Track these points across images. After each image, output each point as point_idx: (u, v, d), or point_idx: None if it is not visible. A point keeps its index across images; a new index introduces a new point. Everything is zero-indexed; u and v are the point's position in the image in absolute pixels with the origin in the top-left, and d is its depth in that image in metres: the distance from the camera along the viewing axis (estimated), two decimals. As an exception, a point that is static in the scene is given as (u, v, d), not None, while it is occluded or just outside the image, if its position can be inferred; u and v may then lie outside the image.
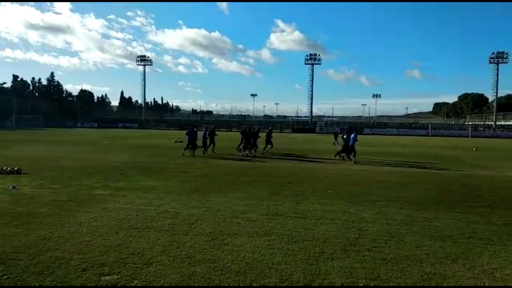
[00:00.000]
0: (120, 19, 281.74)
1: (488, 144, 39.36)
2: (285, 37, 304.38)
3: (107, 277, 4.55)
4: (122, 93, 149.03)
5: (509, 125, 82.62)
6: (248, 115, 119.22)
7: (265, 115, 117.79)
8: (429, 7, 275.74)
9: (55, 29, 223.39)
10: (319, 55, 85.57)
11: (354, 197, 9.55)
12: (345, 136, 19.90)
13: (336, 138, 33.37)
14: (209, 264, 4.97)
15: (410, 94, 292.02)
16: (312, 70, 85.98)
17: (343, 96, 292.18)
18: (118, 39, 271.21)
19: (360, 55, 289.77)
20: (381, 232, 6.55)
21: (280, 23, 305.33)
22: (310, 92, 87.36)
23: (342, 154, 19.73)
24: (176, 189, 10.25)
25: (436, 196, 9.98)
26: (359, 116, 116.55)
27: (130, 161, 17.00)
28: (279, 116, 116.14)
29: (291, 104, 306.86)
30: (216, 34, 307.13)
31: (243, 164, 16.49)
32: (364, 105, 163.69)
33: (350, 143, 18.83)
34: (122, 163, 16.11)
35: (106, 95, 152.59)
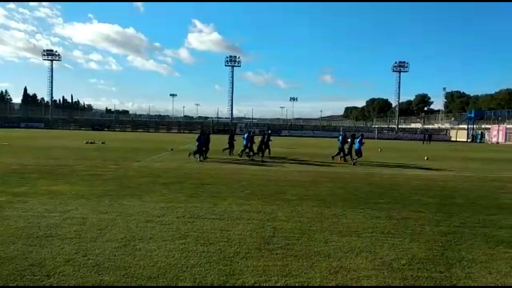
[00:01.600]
0: (21, 9, 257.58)
1: (391, 145, 43.18)
2: (203, 38, 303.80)
3: (-1, 293, 4.09)
4: (25, 89, 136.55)
5: (409, 128, 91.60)
6: (168, 115, 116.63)
7: (185, 116, 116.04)
8: (338, 13, 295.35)
9: None
10: (238, 57, 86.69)
11: (270, 197, 9.81)
12: (349, 140, 20.80)
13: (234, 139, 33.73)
14: (119, 271, 4.73)
15: (324, 98, 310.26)
16: (232, 72, 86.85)
17: (263, 98, 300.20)
18: (19, 30, 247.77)
19: (277, 59, 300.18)
20: (293, 229, 6.80)
21: (197, 23, 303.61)
22: (231, 94, 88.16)
23: (346, 156, 20.59)
24: (84, 193, 9.59)
25: (344, 193, 10.66)
26: (278, 118, 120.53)
27: (33, 163, 15.55)
28: (199, 117, 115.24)
29: (212, 105, 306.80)
30: (131, 30, 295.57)
31: (160, 166, 16.04)
32: (282, 107, 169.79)
33: (357, 147, 19.60)
34: (24, 166, 14.67)
35: (6, 91, 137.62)
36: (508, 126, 68.21)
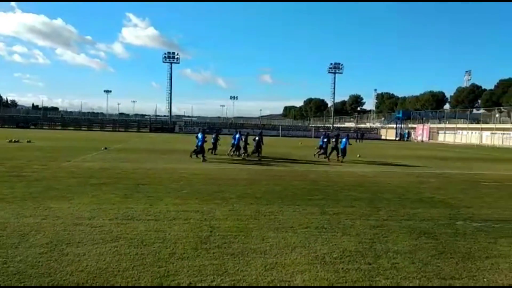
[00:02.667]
0: None
1: (326, 144, 44.76)
2: (138, 32, 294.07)
3: None
4: None
5: (344, 127, 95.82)
6: (102, 112, 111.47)
7: (121, 113, 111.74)
8: (274, 13, 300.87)
9: None
10: (177, 54, 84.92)
11: (208, 196, 9.73)
12: (333, 140, 22.37)
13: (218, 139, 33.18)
14: (43, 278, 4.41)
15: (264, 97, 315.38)
16: (171, 68, 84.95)
17: (202, 96, 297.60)
18: None
19: (216, 58, 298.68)
20: (231, 228, 6.81)
21: (132, 16, 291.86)
22: (169, 91, 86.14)
23: (328, 154, 21.99)
24: (5, 196, 8.83)
25: (281, 191, 10.89)
26: (218, 117, 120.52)
27: None
28: (136, 115, 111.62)
29: (149, 102, 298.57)
30: (59, 22, 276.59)
31: (92, 166, 15.25)
32: (223, 106, 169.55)
33: (342, 146, 21.42)
34: None
35: None
36: (432, 125, 74.11)
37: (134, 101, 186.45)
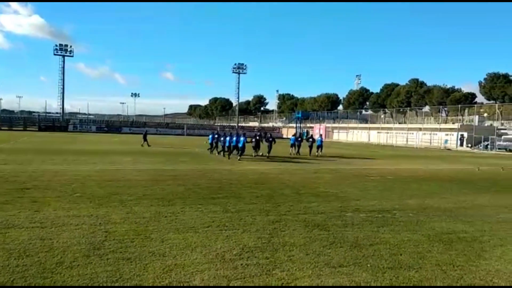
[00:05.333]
0: None
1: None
2: (21, 20, 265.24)
3: None
4: None
5: (248, 126, 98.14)
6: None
7: (3, 110, 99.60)
8: (178, 9, 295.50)
9: None
10: (71, 46, 78.42)
11: (104, 198, 9.15)
12: (310, 139, 28.01)
13: (145, 140, 30.89)
14: None
15: (167, 95, 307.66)
16: (63, 62, 78.18)
17: (99, 93, 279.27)
18: None
19: (113, 52, 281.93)
20: (128, 232, 6.48)
21: (10, 2, 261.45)
22: (61, 87, 79.16)
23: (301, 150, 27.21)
24: None
25: (184, 191, 10.72)
26: (118, 115, 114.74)
27: None
28: (22, 112, 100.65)
29: (38, 98, 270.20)
30: None
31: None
32: (123, 103, 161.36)
33: (318, 143, 27.02)
34: None
35: None
36: (327, 125, 79.82)
37: (19, 97, 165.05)
